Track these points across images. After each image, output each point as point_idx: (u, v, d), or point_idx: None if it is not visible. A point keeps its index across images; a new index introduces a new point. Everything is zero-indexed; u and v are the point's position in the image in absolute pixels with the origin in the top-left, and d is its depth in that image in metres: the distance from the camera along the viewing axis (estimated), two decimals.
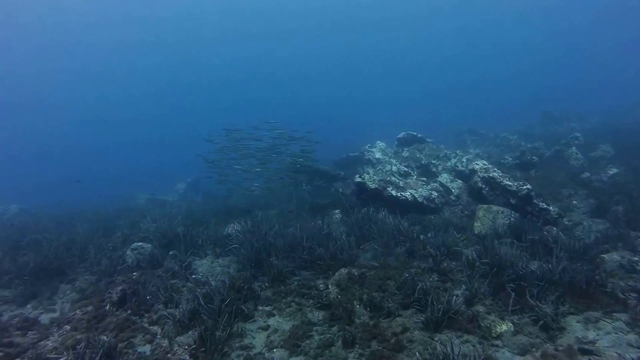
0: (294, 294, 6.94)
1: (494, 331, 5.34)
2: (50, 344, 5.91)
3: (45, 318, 7.04)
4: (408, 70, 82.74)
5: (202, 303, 6.32)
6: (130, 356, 5.49)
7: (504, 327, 5.38)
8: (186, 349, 5.51)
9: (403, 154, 16.13)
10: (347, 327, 5.60)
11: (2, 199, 21.69)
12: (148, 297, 7.02)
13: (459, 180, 12.56)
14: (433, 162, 14.86)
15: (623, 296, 5.78)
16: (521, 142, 21.50)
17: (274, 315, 6.37)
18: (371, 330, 5.51)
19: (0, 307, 7.50)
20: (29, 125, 65.18)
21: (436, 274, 7.15)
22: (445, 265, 7.39)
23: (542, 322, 5.33)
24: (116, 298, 6.88)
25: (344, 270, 7.21)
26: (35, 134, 61.28)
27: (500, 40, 78.37)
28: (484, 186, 10.88)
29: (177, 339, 5.81)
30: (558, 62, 68.44)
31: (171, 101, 77.11)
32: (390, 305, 6.00)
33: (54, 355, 5.51)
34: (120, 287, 7.08)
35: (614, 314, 5.43)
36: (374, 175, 12.04)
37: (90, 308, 6.86)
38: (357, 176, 11.98)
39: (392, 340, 5.26)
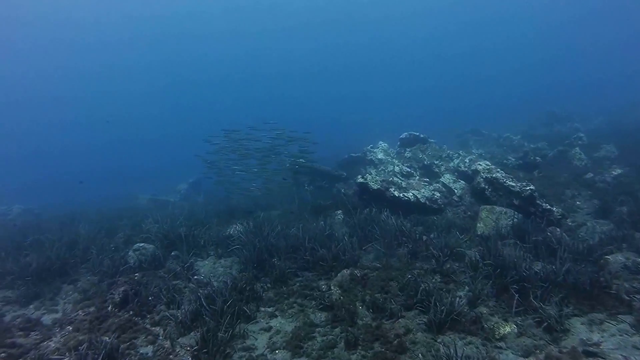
0: (296, 295, 6.92)
1: (497, 333, 5.31)
2: (53, 345, 5.91)
3: (47, 319, 7.04)
4: (408, 70, 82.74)
5: (205, 304, 6.30)
6: (133, 357, 5.48)
7: (508, 329, 5.35)
8: (188, 350, 5.49)
9: (405, 154, 16.10)
10: (349, 328, 5.58)
11: (5, 199, 21.78)
12: (150, 298, 7.01)
13: (461, 181, 12.51)
14: (435, 162, 14.84)
15: (628, 298, 5.73)
16: (524, 142, 21.44)
17: (276, 316, 6.35)
18: (374, 332, 5.48)
19: (3, 308, 7.51)
20: (29, 124, 65.50)
21: (439, 275, 7.12)
22: (448, 266, 7.37)
23: (545, 323, 5.30)
24: (118, 299, 6.88)
25: (346, 271, 7.18)
26: (36, 132, 61.57)
27: (501, 38, 78.26)
28: (487, 187, 10.83)
29: (179, 340, 5.80)
30: (559, 60, 68.36)
31: (172, 100, 77.52)
32: (393, 306, 5.97)
33: (56, 357, 5.51)
34: (122, 288, 7.08)
35: (619, 316, 5.39)
36: (377, 175, 12.00)
37: (92, 309, 6.86)
38: (359, 177, 11.95)
39: (395, 341, 5.23)
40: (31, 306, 7.56)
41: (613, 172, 12.90)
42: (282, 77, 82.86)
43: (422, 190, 11.51)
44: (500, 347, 5.08)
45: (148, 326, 6.31)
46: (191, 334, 5.90)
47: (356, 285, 6.82)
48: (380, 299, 6.22)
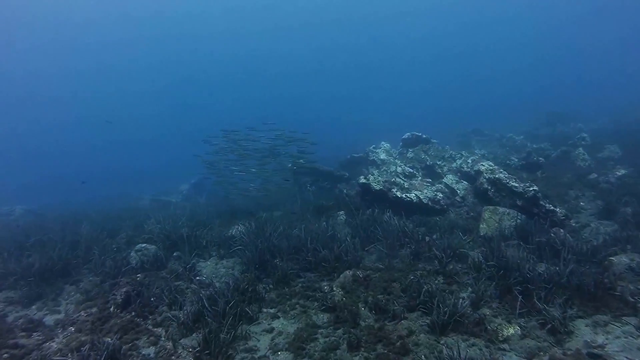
0: (299, 296, 6.90)
1: (500, 335, 5.27)
2: (55, 346, 5.90)
3: (50, 319, 7.04)
4: (408, 70, 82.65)
5: (207, 305, 6.29)
6: (135, 358, 5.47)
7: (511, 331, 5.31)
8: (190, 351, 5.48)
9: (408, 154, 16.08)
10: (352, 329, 5.56)
11: (7, 199, 21.85)
12: (152, 299, 7.01)
13: (464, 182, 12.47)
14: (438, 163, 14.81)
15: (632, 300, 5.67)
16: (527, 142, 21.39)
17: (278, 317, 6.33)
18: (376, 333, 5.45)
19: (6, 308, 7.51)
20: (30, 123, 65.68)
21: (442, 276, 7.09)
22: (451, 267, 7.33)
23: (549, 325, 5.26)
24: (120, 300, 6.88)
25: (348, 272, 7.15)
26: (37, 132, 61.74)
27: (502, 37, 78.09)
28: (489, 187, 10.79)
29: (181, 341, 5.78)
30: (560, 59, 68.19)
31: (174, 99, 77.50)
32: (395, 307, 5.95)
33: (58, 357, 5.50)
34: (124, 289, 7.08)
35: (623, 318, 5.34)
36: (379, 176, 11.98)
37: (94, 310, 6.87)
38: (361, 177, 11.93)
39: (398, 343, 5.20)
40: (34, 307, 7.56)
41: (617, 173, 12.83)
42: (283, 77, 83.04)
43: (425, 190, 11.48)
44: (504, 349, 5.04)
45: (150, 327, 6.30)
46: (193, 335, 5.89)
47: (359, 287, 6.80)
48: (382, 300, 6.20)
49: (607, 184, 12.04)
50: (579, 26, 68.84)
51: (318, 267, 7.82)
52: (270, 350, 5.44)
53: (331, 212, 11.14)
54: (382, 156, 16.34)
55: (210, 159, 14.00)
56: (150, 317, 6.62)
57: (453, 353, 4.71)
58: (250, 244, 8.65)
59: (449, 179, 12.72)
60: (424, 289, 6.14)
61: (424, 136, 16.91)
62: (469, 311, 5.76)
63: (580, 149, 16.17)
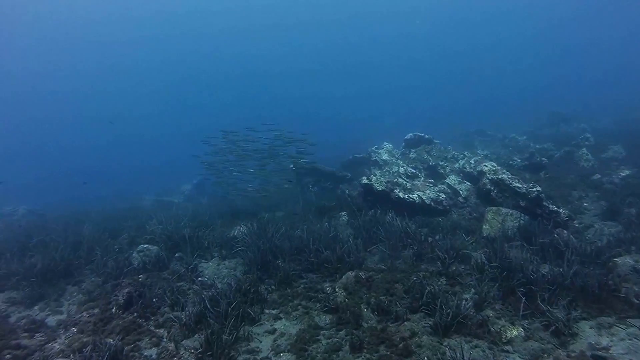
0: (301, 297, 6.89)
1: (504, 336, 5.24)
2: (57, 347, 5.90)
3: (52, 320, 7.05)
4: (409, 70, 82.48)
5: (209, 306, 6.28)
6: None
7: (515, 332, 5.29)
8: (192, 352, 5.47)
9: (410, 155, 16.04)
10: (354, 331, 5.54)
11: (10, 198, 21.92)
12: (154, 300, 7.00)
13: (467, 182, 12.42)
14: (441, 163, 14.77)
15: (637, 301, 5.62)
16: (530, 143, 21.32)
17: (280, 318, 6.32)
18: (379, 335, 5.43)
19: (9, 309, 7.53)
20: (33, 121, 65.85)
21: (445, 277, 7.07)
22: (454, 268, 7.30)
23: (553, 327, 5.23)
24: (122, 301, 6.87)
25: (351, 273, 7.14)
26: (39, 130, 61.93)
27: (502, 37, 77.90)
28: (492, 188, 10.74)
29: (183, 342, 5.77)
30: (561, 58, 68.07)
31: (175, 99, 77.58)
32: (398, 309, 5.92)
33: (61, 358, 5.51)
34: (126, 290, 7.07)
35: (628, 320, 5.30)
36: (381, 176, 11.95)
37: (96, 310, 6.86)
38: (363, 178, 11.90)
39: (401, 345, 5.18)
40: (36, 307, 7.57)
41: (621, 173, 12.77)
42: (283, 76, 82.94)
43: (427, 191, 11.44)
44: (507, 351, 5.01)
45: (152, 328, 6.29)
46: (195, 336, 5.88)
47: (361, 288, 6.78)
48: (385, 301, 6.18)
49: (611, 185, 11.97)
50: (581, 24, 68.49)
51: (320, 268, 7.80)
52: (272, 352, 5.43)
53: (333, 213, 11.12)
54: (385, 157, 16.32)
55: (209, 160, 14.00)
56: (152, 318, 6.61)
57: (456, 355, 4.68)
58: (253, 244, 8.64)
59: (452, 179, 12.68)
60: (426, 290, 6.11)
61: (427, 136, 16.87)
62: (472, 313, 5.72)
63: (584, 149, 16.10)
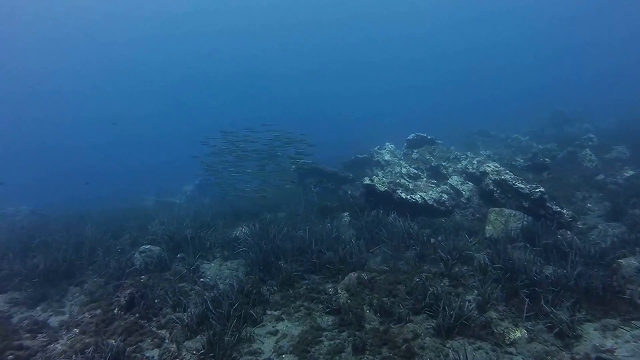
0: (303, 298, 6.86)
1: (507, 338, 5.21)
2: (60, 348, 5.90)
3: (54, 321, 7.05)
4: (409, 70, 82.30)
5: (211, 307, 6.27)
6: None
7: (518, 334, 5.25)
8: (194, 354, 5.45)
9: (412, 155, 16.01)
10: (357, 332, 5.52)
11: (12, 199, 21.96)
12: (156, 301, 6.99)
13: (469, 183, 12.38)
14: (443, 164, 14.73)
15: None
16: (533, 143, 21.27)
17: (282, 319, 6.30)
18: (382, 336, 5.41)
19: (11, 309, 7.53)
20: (35, 121, 66.00)
21: (447, 278, 7.03)
22: (456, 269, 7.26)
23: (557, 329, 5.19)
24: (124, 301, 6.86)
25: (353, 275, 7.11)
26: (40, 130, 62.06)
27: (503, 36, 77.70)
28: (495, 189, 10.70)
29: (185, 343, 5.76)
30: (563, 58, 67.82)
31: (175, 98, 77.65)
32: (400, 310, 5.89)
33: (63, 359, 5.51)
34: (128, 291, 7.07)
35: (633, 322, 5.26)
36: (383, 177, 11.92)
37: (98, 311, 6.85)
38: (366, 178, 11.87)
39: (403, 346, 5.15)
40: (38, 308, 7.58)
41: (625, 174, 12.71)
42: (283, 76, 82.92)
43: (430, 192, 11.40)
44: (511, 353, 4.98)
45: (154, 329, 6.28)
46: (197, 337, 5.87)
47: (363, 289, 6.75)
48: (387, 302, 6.15)
49: (614, 185, 11.91)
50: (582, 24, 68.29)
51: (322, 269, 7.79)
52: (274, 353, 5.41)
53: (335, 214, 11.10)
54: (387, 157, 16.29)
55: (208, 160, 13.99)
56: (154, 319, 6.60)
57: (459, 357, 4.66)
58: (254, 245, 8.62)
59: (454, 180, 12.64)
60: (429, 292, 6.09)
61: (429, 137, 16.84)
62: (475, 314, 5.69)
63: (587, 149, 16.04)
